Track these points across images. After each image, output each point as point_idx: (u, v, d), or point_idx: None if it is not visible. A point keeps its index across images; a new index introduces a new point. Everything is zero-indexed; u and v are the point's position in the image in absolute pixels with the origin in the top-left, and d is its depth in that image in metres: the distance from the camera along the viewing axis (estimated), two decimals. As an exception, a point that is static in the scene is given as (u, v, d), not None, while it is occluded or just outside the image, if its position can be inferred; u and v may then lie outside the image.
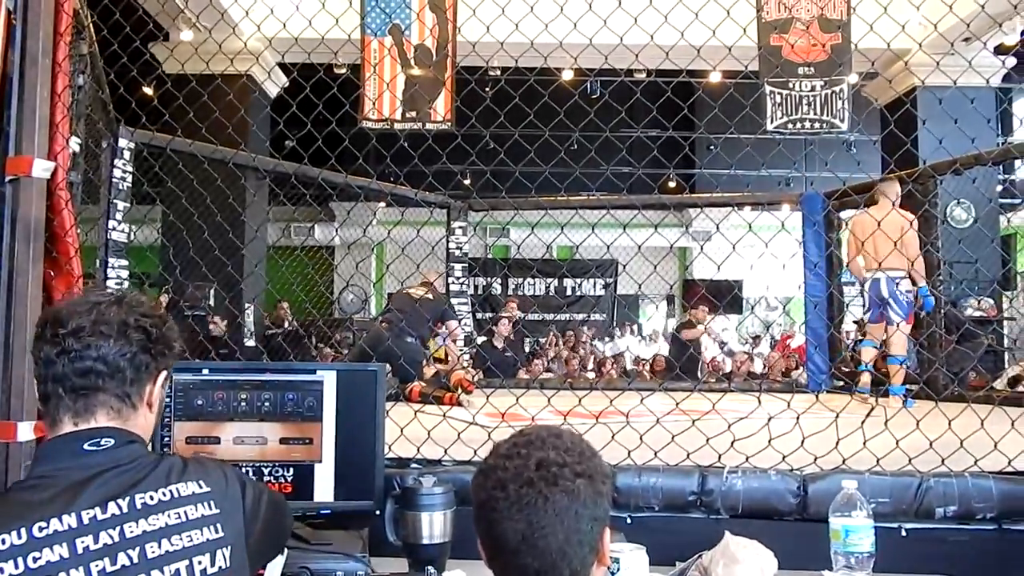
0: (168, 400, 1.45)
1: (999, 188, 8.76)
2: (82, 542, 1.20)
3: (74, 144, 3.74)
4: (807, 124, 5.15)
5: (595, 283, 14.44)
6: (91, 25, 3.16)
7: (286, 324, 9.25)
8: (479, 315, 10.80)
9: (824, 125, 5.15)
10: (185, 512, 1.28)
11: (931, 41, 4.30)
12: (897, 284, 5.34)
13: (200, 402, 2.12)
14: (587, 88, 9.27)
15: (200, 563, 1.26)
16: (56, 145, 2.31)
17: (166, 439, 2.07)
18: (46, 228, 2.30)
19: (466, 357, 7.44)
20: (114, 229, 5.44)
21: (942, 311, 6.13)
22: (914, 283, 5.36)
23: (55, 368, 1.31)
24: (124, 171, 5.51)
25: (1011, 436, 2.45)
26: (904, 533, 2.31)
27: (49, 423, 1.34)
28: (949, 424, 2.50)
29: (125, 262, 5.52)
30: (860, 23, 3.49)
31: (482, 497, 1.22)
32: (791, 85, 5.11)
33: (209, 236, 3.77)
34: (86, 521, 1.22)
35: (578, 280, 14.34)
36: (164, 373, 1.41)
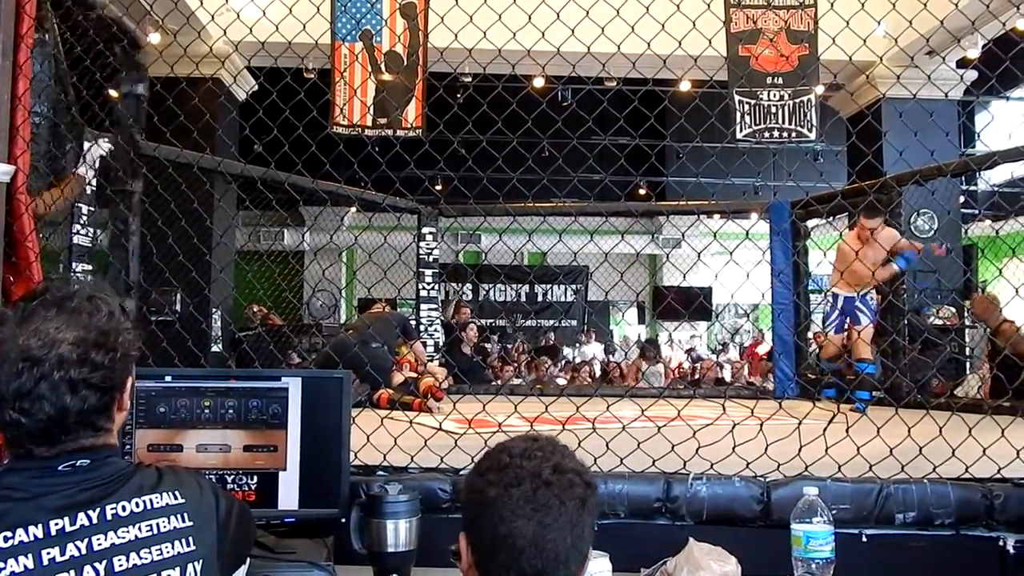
0: (130, 406, 1.40)
1: (961, 199, 8.92)
2: (48, 553, 1.18)
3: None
4: (775, 133, 5.21)
5: (565, 289, 14.49)
6: (55, 25, 3.12)
7: (257, 322, 9.12)
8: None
9: (792, 135, 5.21)
10: (157, 524, 1.26)
11: (895, 55, 4.39)
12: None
13: (163, 409, 2.10)
14: (556, 96, 9.31)
15: None
16: (16, 148, 2.28)
17: (128, 447, 2.05)
18: (5, 233, 2.26)
19: (435, 363, 7.44)
20: (78, 233, 5.37)
21: (905, 319, 6.22)
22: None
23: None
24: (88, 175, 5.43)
25: (968, 443, 2.49)
26: (864, 539, 2.34)
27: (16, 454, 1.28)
28: (909, 431, 2.54)
29: (89, 266, 5.44)
30: (824, 36, 3.55)
31: (491, 495, 1.21)
32: (759, 95, 5.17)
33: (175, 241, 3.72)
34: (53, 532, 1.19)
35: (548, 286, 14.39)
36: (129, 380, 1.36)
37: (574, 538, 1.20)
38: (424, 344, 8.02)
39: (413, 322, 7.98)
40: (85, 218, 5.45)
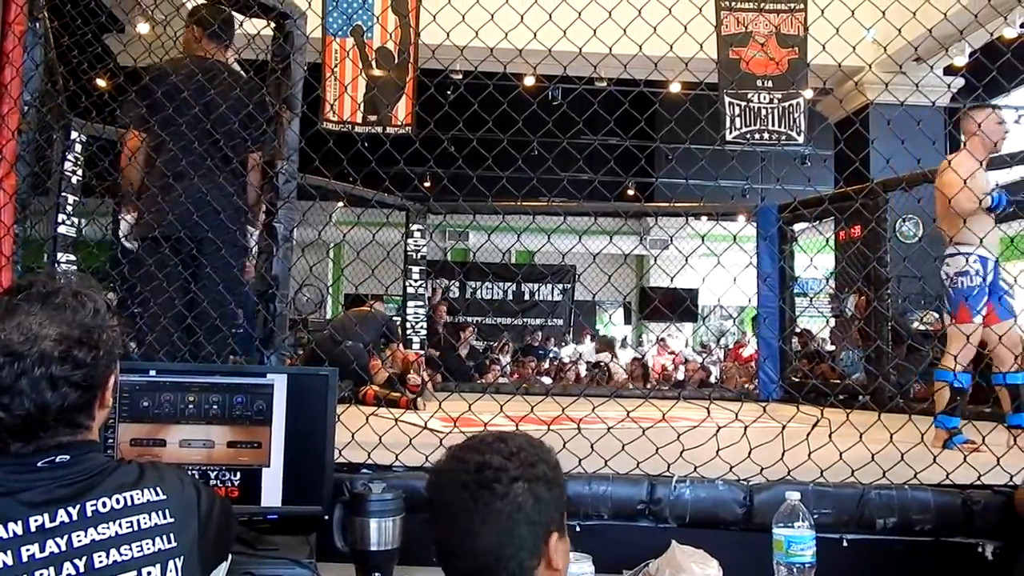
0: (113, 402, 1.38)
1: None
2: (27, 550, 1.17)
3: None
4: (765, 136, 5.22)
5: (552, 289, 14.48)
6: (45, 15, 3.09)
7: None
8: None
9: (781, 137, 5.22)
10: (137, 521, 1.25)
11: (883, 61, 4.42)
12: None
13: (146, 404, 2.09)
14: (547, 95, 9.30)
15: (150, 573, 1.23)
16: (1, 138, 2.26)
17: (110, 441, 2.03)
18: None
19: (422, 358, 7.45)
20: (63, 223, 5.33)
21: (890, 323, 6.27)
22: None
23: None
24: (76, 164, 5.41)
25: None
26: (845, 544, 2.36)
27: None
28: (891, 437, 2.56)
29: (73, 257, 5.40)
30: (814, 42, 3.56)
31: (428, 500, 1.29)
32: (749, 97, 5.17)
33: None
34: (33, 529, 1.18)
35: (535, 286, 14.37)
36: (112, 378, 1.34)
37: (502, 536, 1.19)
38: (409, 343, 8.04)
39: (398, 319, 8.01)
40: (71, 208, 5.42)
